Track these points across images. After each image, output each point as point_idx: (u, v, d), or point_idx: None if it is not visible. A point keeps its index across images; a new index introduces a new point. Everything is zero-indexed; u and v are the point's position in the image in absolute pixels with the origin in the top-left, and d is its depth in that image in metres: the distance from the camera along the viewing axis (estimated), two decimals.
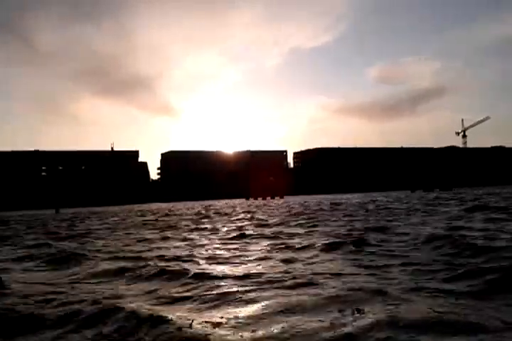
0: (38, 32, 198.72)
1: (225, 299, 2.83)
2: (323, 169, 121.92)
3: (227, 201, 64.10)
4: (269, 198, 65.99)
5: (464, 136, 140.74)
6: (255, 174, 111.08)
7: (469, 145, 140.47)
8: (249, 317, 2.37)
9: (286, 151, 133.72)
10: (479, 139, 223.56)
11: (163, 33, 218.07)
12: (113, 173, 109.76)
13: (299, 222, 10.14)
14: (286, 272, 3.61)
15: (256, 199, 65.88)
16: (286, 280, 3.26)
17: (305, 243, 5.64)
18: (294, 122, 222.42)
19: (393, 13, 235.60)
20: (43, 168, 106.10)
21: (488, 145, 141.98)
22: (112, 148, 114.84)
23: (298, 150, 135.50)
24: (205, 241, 6.84)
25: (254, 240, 6.65)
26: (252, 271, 3.73)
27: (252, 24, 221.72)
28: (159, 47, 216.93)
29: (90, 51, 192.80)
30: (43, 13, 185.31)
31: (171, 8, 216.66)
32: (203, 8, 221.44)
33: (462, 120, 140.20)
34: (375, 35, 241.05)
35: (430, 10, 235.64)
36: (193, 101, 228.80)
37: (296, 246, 5.38)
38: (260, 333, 2.09)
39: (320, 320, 2.23)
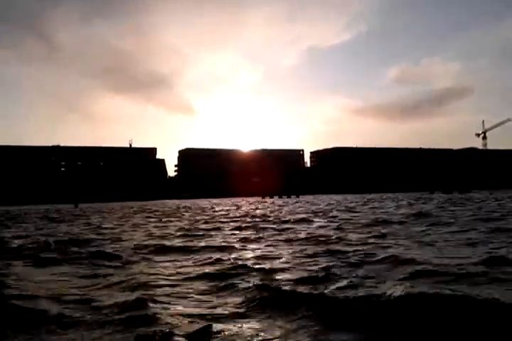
0: (56, 29, 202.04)
1: None
2: (341, 168, 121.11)
3: (242, 199, 64.18)
4: (285, 197, 65.91)
5: (484, 138, 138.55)
6: (271, 172, 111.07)
7: (489, 147, 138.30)
8: None
9: (302, 150, 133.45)
10: (500, 141, 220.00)
11: (181, 32, 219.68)
12: (131, 170, 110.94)
13: None
14: None
15: (272, 197, 65.91)
16: None
17: None
18: (311, 122, 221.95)
19: (413, 11, 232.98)
20: (63, 163, 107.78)
21: (509, 148, 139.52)
22: (131, 144, 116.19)
23: (314, 149, 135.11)
24: None
25: None
26: None
27: (269, 22, 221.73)
28: (176, 46, 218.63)
29: (108, 49, 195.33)
30: (62, 10, 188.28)
31: (188, 7, 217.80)
32: (219, 7, 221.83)
33: (483, 121, 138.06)
34: (394, 34, 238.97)
35: (451, 9, 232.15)
36: (210, 99, 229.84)
37: None
38: None
39: None
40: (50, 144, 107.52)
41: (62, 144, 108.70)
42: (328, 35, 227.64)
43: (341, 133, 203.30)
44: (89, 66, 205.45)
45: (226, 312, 2.82)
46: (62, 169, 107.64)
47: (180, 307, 2.95)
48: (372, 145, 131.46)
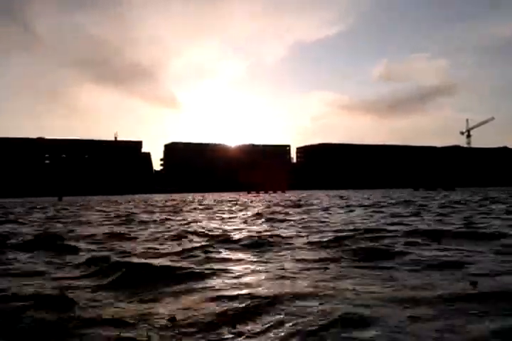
0: (38, 18, 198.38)
1: None
2: (326, 165, 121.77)
3: (229, 194, 64.04)
4: (271, 192, 66.02)
5: (469, 136, 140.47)
6: (257, 168, 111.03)
7: (473, 145, 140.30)
8: None
9: (289, 146, 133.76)
10: (483, 139, 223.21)
11: (164, 23, 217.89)
12: (116, 163, 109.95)
13: None
14: None
15: (258, 193, 65.95)
16: None
17: None
18: (298, 117, 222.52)
19: (401, 7, 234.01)
20: (47, 155, 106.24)
21: (492, 146, 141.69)
22: (116, 137, 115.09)
23: (300, 145, 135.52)
24: None
25: None
26: None
27: (255, 15, 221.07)
28: (159, 37, 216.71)
29: (89, 39, 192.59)
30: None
31: None
32: None
33: (467, 120, 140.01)
34: (381, 30, 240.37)
35: (439, 6, 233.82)
36: (196, 92, 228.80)
37: None
38: None
39: None
40: (32, 136, 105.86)
41: (45, 136, 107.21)
42: (315, 30, 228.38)
43: (328, 129, 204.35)
44: (70, 57, 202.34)
45: None
46: (47, 161, 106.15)
47: None
48: (359, 142, 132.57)
